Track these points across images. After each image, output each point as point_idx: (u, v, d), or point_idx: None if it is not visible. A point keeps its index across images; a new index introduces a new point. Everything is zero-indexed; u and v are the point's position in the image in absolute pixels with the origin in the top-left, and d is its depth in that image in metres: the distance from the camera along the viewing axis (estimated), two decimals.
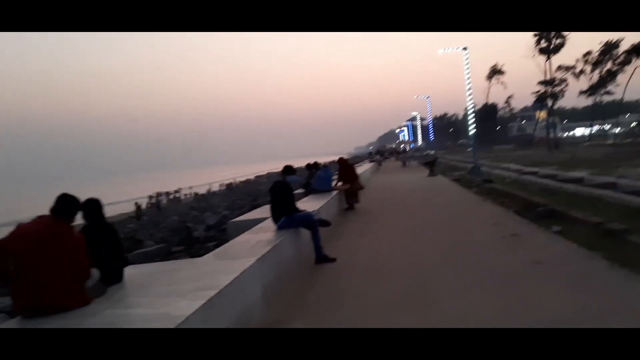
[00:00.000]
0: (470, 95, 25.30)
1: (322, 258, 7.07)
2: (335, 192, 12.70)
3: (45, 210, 3.91)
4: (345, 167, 13.78)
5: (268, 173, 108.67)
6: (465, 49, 25.02)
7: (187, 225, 14.70)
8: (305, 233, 7.22)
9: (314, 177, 13.10)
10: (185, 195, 73.53)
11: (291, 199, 7.09)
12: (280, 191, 7.05)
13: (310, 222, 7.08)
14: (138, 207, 40.72)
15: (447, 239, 8.15)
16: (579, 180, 17.63)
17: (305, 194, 13.11)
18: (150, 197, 72.42)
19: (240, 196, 50.35)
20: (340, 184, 13.61)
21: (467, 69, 24.86)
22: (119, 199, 51.69)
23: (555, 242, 7.34)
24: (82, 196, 4.30)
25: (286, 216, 6.94)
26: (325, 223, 7.54)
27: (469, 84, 25.18)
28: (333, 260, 7.08)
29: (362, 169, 27.80)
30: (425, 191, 17.41)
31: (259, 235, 6.68)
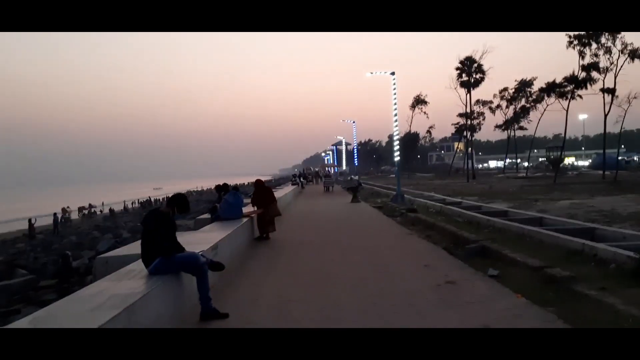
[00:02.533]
0: (396, 121, 24.60)
1: (209, 313, 5.31)
2: (245, 220, 10.96)
3: None
4: (260, 190, 12.08)
5: (188, 191, 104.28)
6: (392, 73, 24.41)
7: (65, 254, 12.23)
8: (190, 279, 5.45)
9: (222, 201, 11.32)
10: (101, 211, 68.12)
11: (169, 235, 5.30)
12: (154, 224, 5.24)
13: (196, 266, 5.32)
14: (31, 225, 36.36)
15: (372, 286, 6.66)
16: (503, 214, 17.11)
17: (211, 220, 11.29)
18: (64, 210, 66.43)
19: None
20: (254, 209, 11.92)
21: (394, 93, 24.19)
22: (33, 213, 46.34)
23: (498, 294, 6.07)
24: None
25: (161, 257, 5.14)
26: (216, 266, 5.79)
27: (395, 109, 24.49)
28: (224, 316, 5.34)
29: (283, 192, 26.23)
30: (348, 220, 16.06)
31: (120, 284, 4.83)
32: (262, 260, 9.05)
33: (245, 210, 11.63)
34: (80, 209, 70.57)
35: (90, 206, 72.76)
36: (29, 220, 37.41)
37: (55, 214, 39.40)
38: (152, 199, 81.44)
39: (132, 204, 78.10)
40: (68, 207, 66.19)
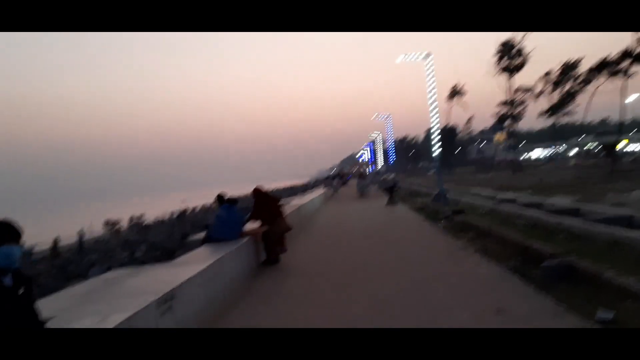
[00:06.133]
0: (433, 108, 21.64)
1: None
2: (245, 240, 8.43)
3: None
4: (262, 201, 9.48)
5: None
6: (428, 56, 21.47)
7: None
8: None
9: (214, 218, 8.84)
10: (138, 223, 66.98)
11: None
12: None
13: None
14: (55, 244, 35.01)
15: None
16: (574, 212, 13.97)
17: (201, 242, 8.80)
18: (108, 223, 65.59)
19: (182, 226, 45.32)
20: (254, 225, 9.39)
21: (432, 77, 21.24)
22: (73, 228, 45.49)
23: None
24: None
25: None
26: None
27: (432, 96, 21.56)
28: None
29: (309, 197, 23.66)
30: (382, 231, 13.29)
31: None
32: (259, 304, 6.44)
33: (247, 227, 9.12)
34: (130, 220, 69.95)
35: (139, 217, 72.13)
36: (55, 240, 36.20)
37: (80, 230, 37.97)
38: (189, 209, 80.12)
39: (171, 213, 77.05)
40: (110, 219, 65.29)
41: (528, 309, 5.06)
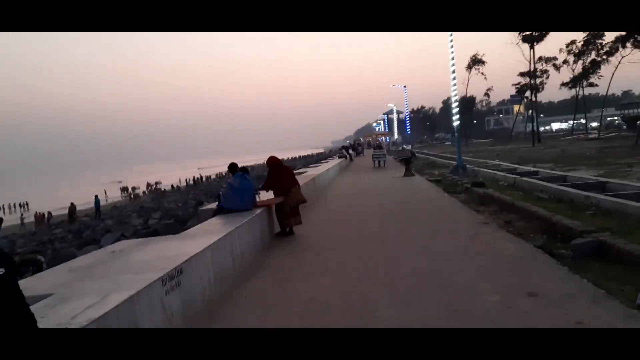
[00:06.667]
0: (454, 78, 20.84)
1: None
2: (258, 212, 8.10)
3: None
4: (277, 171, 9.08)
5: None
6: None
7: (37, 260, 9.43)
8: None
9: (225, 187, 8.51)
10: (164, 190, 67.32)
11: None
12: None
13: None
14: (72, 208, 35.32)
15: None
16: (601, 186, 13.40)
17: (213, 213, 8.50)
18: (126, 189, 66.48)
19: (197, 194, 45.49)
20: (268, 196, 9.04)
21: (451, 47, 20.35)
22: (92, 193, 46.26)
23: None
24: None
25: None
26: None
27: (452, 65, 20.71)
28: None
29: (325, 167, 23.26)
30: (400, 202, 12.88)
31: None
32: (273, 278, 6.13)
33: (259, 198, 8.79)
34: (148, 186, 70.67)
35: (156, 183, 72.83)
36: (72, 205, 36.54)
37: (96, 196, 38.23)
38: (204, 177, 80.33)
39: (187, 180, 77.23)
40: (132, 187, 66.05)
41: (564, 292, 4.65)
